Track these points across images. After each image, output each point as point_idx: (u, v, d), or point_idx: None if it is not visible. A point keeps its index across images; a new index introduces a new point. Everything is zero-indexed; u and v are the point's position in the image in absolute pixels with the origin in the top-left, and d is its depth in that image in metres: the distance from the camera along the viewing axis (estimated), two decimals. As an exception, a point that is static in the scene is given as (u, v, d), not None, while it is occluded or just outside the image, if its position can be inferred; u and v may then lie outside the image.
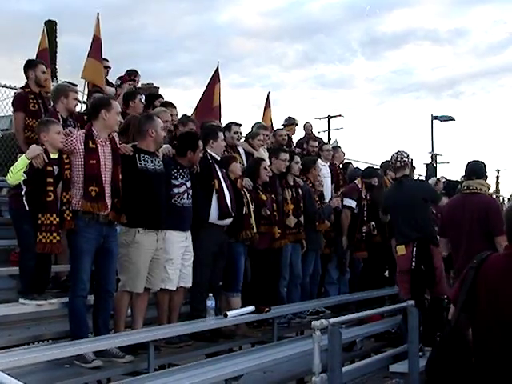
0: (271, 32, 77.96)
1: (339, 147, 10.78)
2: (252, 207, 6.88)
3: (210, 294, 6.07)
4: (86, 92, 8.82)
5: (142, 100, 7.60)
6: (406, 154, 6.91)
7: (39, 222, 5.09)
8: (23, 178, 5.17)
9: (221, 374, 5.04)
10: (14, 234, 6.59)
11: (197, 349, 6.05)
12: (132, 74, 9.36)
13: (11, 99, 8.97)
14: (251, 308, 6.32)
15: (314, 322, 4.63)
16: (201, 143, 6.27)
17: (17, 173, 5.11)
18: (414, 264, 6.42)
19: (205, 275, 6.26)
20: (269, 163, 7.58)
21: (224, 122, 8.64)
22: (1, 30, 44.00)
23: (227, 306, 6.62)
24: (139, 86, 9.96)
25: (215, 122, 8.28)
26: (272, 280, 7.30)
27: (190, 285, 6.14)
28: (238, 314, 6.24)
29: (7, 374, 2.97)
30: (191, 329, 5.91)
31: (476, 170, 6.48)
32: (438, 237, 6.91)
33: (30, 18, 54.24)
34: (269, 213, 7.14)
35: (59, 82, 7.09)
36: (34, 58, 8.91)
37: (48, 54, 9.29)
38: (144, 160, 5.66)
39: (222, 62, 11.05)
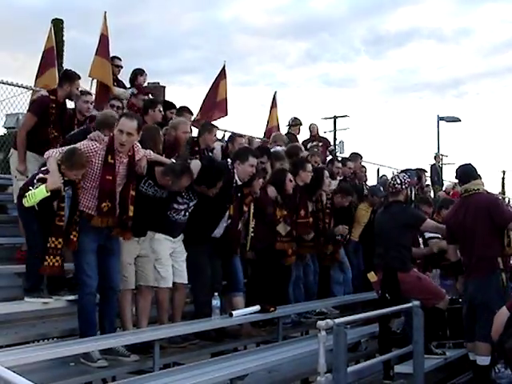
0: (275, 30, 77.86)
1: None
2: (252, 223, 6.85)
3: (216, 294, 6.07)
4: (94, 91, 8.80)
5: (161, 109, 7.56)
6: (401, 179, 6.64)
7: (48, 245, 5.16)
8: None
9: (226, 374, 5.05)
10: (19, 232, 6.63)
11: (202, 348, 6.05)
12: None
13: (15, 97, 9.12)
14: (256, 307, 6.32)
15: (319, 322, 4.62)
16: (220, 184, 6.17)
17: (35, 200, 5.12)
18: (380, 292, 6.38)
19: (205, 274, 6.25)
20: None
21: (230, 119, 8.66)
22: (3, 26, 44.02)
23: (230, 305, 6.60)
24: (145, 84, 9.96)
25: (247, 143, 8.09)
26: (276, 280, 7.30)
27: (185, 281, 6.10)
28: (244, 313, 6.24)
29: (13, 372, 2.98)
30: (197, 328, 5.92)
31: (469, 172, 6.51)
32: (446, 244, 6.83)
33: (33, 14, 54.27)
34: (289, 229, 7.08)
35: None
36: (40, 56, 8.97)
37: (54, 52, 9.27)
38: (147, 185, 5.69)
39: (226, 59, 11.04)
